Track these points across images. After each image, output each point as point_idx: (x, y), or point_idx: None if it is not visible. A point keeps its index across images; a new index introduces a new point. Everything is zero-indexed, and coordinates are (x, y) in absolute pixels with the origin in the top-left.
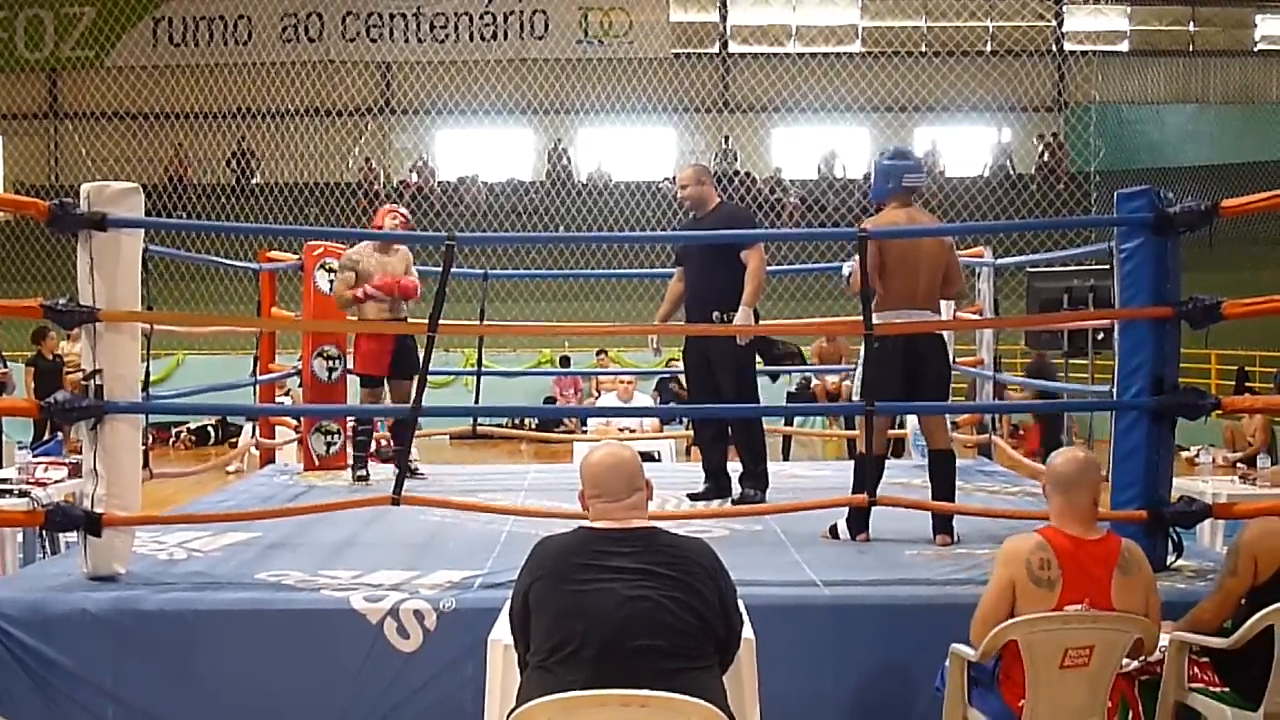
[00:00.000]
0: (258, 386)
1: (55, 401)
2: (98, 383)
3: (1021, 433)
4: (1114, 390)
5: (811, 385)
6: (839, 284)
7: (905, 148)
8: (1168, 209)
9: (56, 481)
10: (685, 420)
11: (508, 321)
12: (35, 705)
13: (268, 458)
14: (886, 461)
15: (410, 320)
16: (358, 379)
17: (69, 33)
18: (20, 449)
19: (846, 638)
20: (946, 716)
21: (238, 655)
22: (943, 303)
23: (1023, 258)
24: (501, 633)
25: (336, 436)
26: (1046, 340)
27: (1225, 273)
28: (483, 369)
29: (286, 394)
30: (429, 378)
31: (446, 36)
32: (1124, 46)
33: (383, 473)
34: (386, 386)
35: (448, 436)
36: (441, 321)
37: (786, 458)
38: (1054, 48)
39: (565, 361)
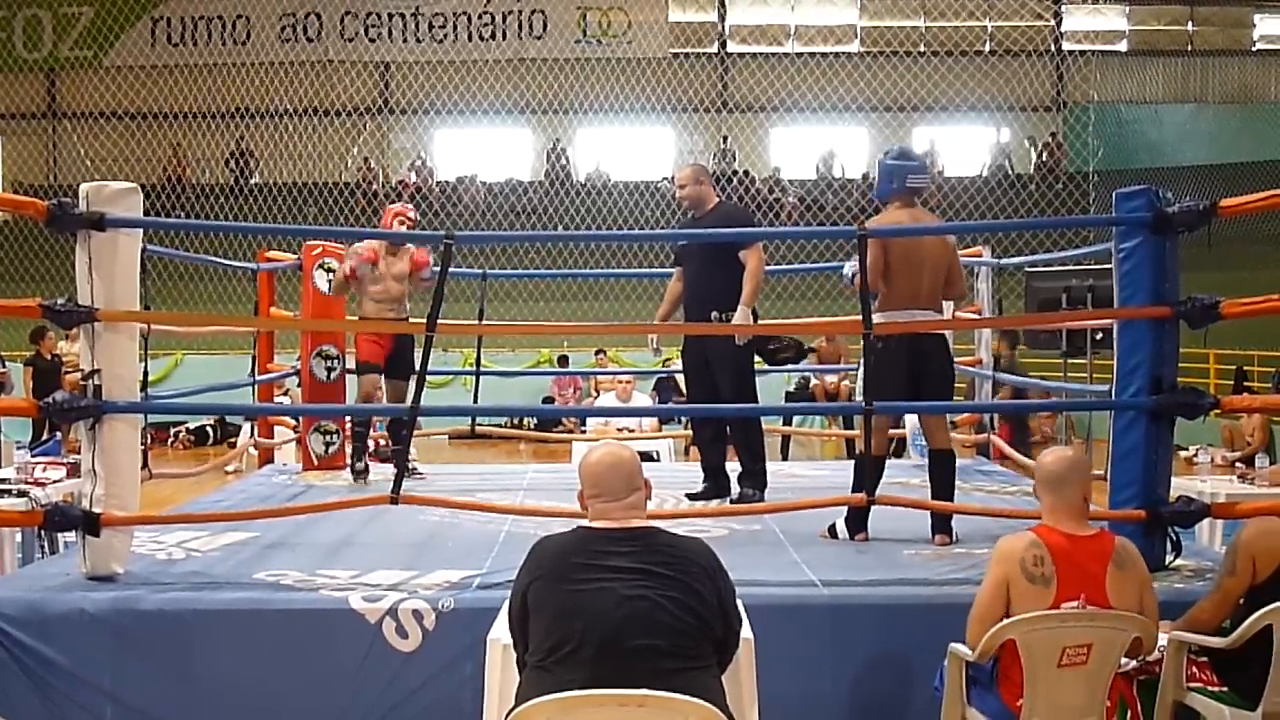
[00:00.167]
0: (256, 386)
1: (54, 401)
2: (96, 382)
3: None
4: (1113, 390)
5: (811, 385)
6: (839, 284)
7: (909, 148)
8: (1166, 209)
9: (55, 481)
10: (683, 420)
11: (506, 321)
12: (34, 705)
13: (266, 457)
14: (886, 461)
15: (409, 320)
16: (356, 370)
17: (67, 32)
18: (19, 449)
19: (845, 637)
20: (945, 716)
21: (236, 655)
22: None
23: (1021, 258)
24: (500, 632)
25: (335, 436)
26: (1045, 340)
27: (1224, 272)
28: (481, 369)
29: (285, 394)
30: (428, 377)
31: (445, 36)
32: (1122, 46)
33: (382, 472)
34: (384, 383)
35: (446, 436)
36: (440, 321)
37: (785, 457)
38: (1052, 47)
39: (564, 361)
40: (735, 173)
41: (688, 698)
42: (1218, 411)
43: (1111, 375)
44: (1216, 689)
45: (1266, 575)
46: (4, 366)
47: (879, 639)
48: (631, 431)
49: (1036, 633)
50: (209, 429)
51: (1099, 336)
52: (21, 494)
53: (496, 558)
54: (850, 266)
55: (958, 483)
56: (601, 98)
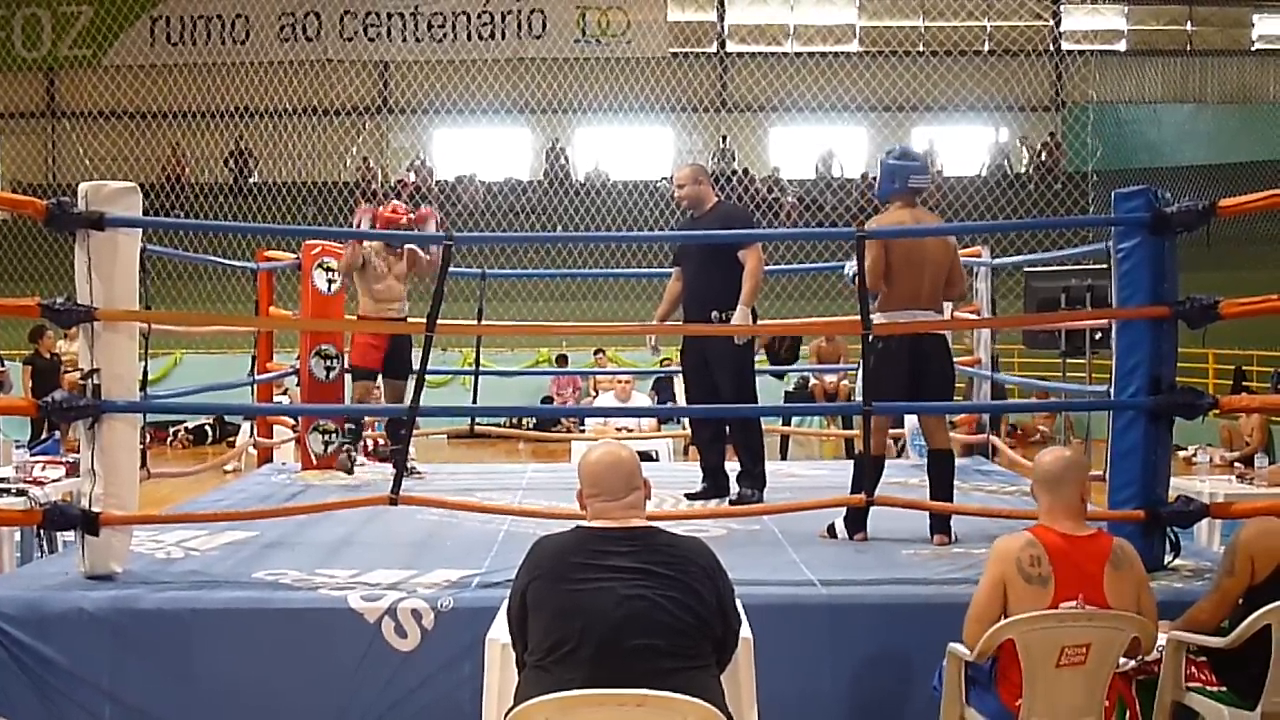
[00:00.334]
0: (255, 386)
1: (53, 400)
2: (95, 382)
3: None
4: (1111, 390)
5: (810, 385)
6: (838, 284)
7: (910, 148)
8: (1165, 208)
9: (54, 480)
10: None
11: (505, 321)
12: (32, 704)
13: (265, 457)
14: (885, 461)
15: (408, 320)
16: (351, 374)
17: (66, 32)
18: (18, 448)
19: (844, 637)
20: (944, 716)
21: (235, 654)
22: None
23: (1020, 258)
24: (499, 632)
25: (334, 436)
26: (1044, 340)
27: (1223, 272)
28: (480, 368)
29: (284, 393)
30: (426, 377)
31: (444, 36)
32: (1121, 46)
33: (381, 472)
34: (381, 383)
35: (445, 436)
36: (439, 321)
37: (784, 457)
38: (1051, 47)
39: (563, 361)
40: (734, 172)
41: (687, 697)
42: (1216, 411)
43: (1110, 375)
44: (1215, 689)
45: (1265, 575)
46: (3, 365)
47: (878, 639)
48: (630, 431)
49: (1035, 632)
50: (208, 428)
51: (1098, 336)
52: (20, 493)
53: (495, 557)
54: (851, 266)
55: (956, 483)
56: (600, 97)
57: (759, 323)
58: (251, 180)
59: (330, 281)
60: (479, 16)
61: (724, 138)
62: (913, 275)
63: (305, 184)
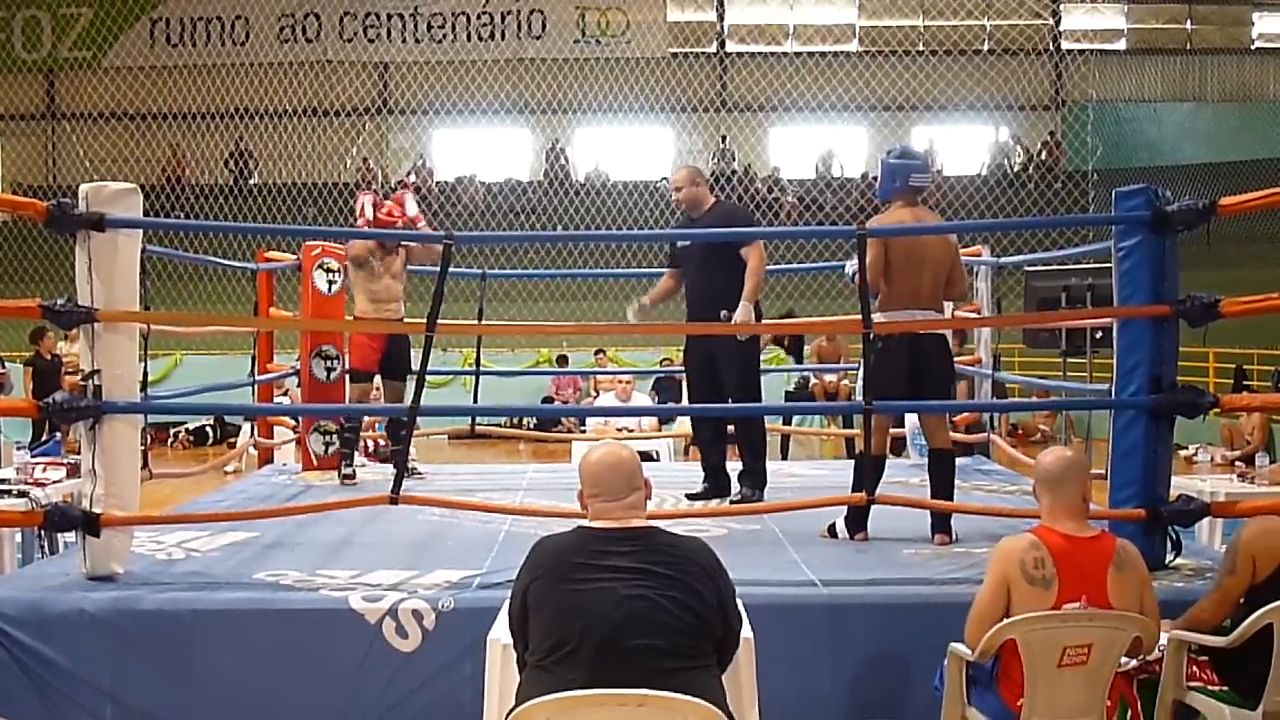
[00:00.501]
0: (256, 386)
1: (53, 402)
2: (96, 383)
3: None
4: (1112, 389)
5: (810, 384)
6: (838, 283)
7: (911, 147)
8: (1165, 207)
9: (55, 481)
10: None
11: (506, 321)
12: (33, 705)
13: (266, 458)
14: (886, 460)
15: (408, 320)
16: (350, 377)
17: (66, 33)
18: (19, 449)
19: (845, 637)
20: (945, 715)
21: (236, 655)
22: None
23: (1021, 257)
24: (500, 632)
25: (335, 436)
26: (1045, 339)
27: (1223, 271)
28: (481, 369)
29: (285, 394)
30: (427, 377)
31: (444, 36)
32: (1121, 45)
33: (381, 472)
34: (381, 384)
35: (446, 436)
36: (440, 321)
37: (785, 457)
38: (1051, 46)
39: (563, 361)
40: (734, 172)
41: (687, 697)
42: (1217, 410)
43: (1111, 374)
44: (1217, 688)
45: (1266, 574)
46: (4, 367)
47: (878, 638)
48: (631, 431)
49: (1037, 632)
50: (208, 429)
51: (1098, 335)
52: (21, 494)
53: (496, 557)
54: (852, 265)
55: (957, 482)
56: (600, 98)
57: (762, 319)
58: (251, 181)
59: (330, 282)
60: (478, 17)
61: (724, 138)
62: (913, 274)
63: (305, 185)
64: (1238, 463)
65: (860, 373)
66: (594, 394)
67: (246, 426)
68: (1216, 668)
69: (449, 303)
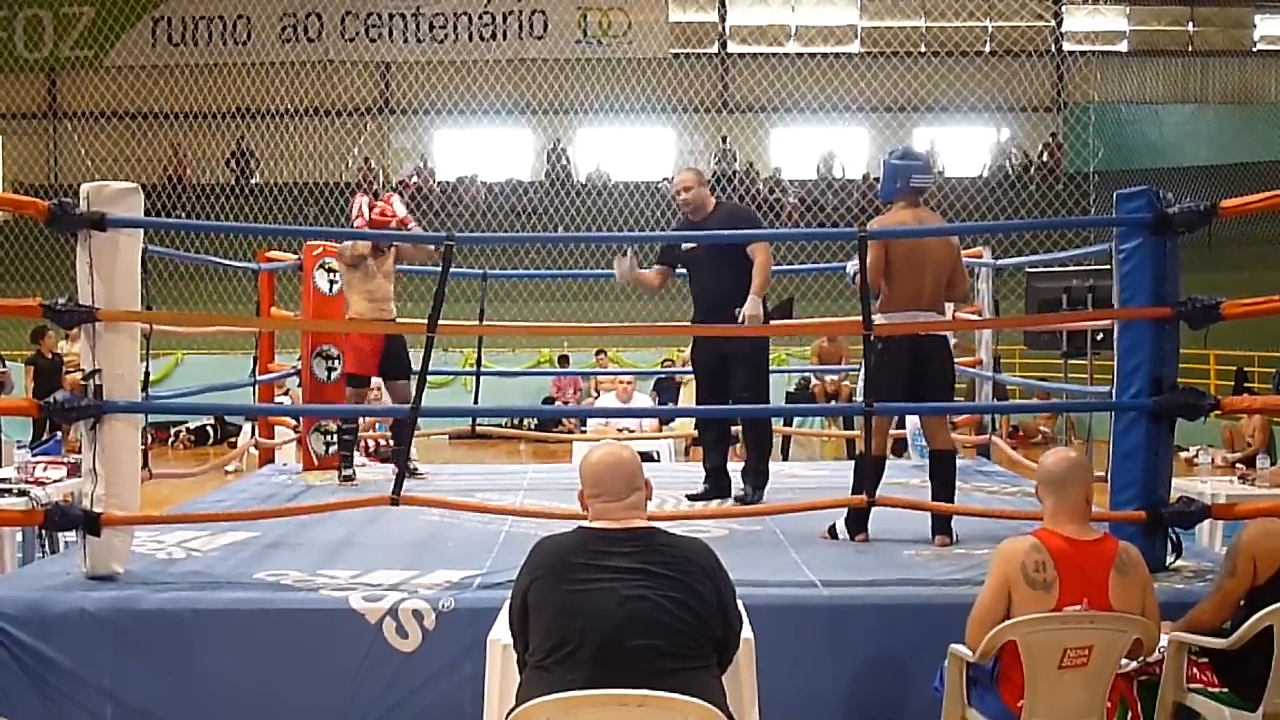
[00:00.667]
0: (257, 386)
1: (54, 401)
2: (97, 382)
3: None
4: (1113, 391)
5: (811, 385)
6: (839, 284)
7: (913, 148)
8: (1166, 209)
9: (55, 481)
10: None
11: (507, 321)
12: (34, 704)
13: (267, 457)
14: (887, 461)
15: (409, 320)
16: (347, 381)
17: (68, 32)
18: (19, 448)
19: (845, 638)
20: (945, 717)
21: (236, 655)
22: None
23: (1022, 258)
24: (500, 632)
25: (335, 436)
26: (1045, 340)
27: (1224, 273)
28: (482, 369)
29: (286, 394)
30: (428, 378)
31: (445, 36)
32: (1123, 46)
33: (381, 472)
34: (383, 387)
35: (447, 436)
36: (440, 321)
37: (785, 458)
38: (1053, 48)
39: (564, 361)
40: (735, 173)
41: (687, 698)
42: (1218, 412)
43: (1112, 376)
44: (1217, 690)
45: (1267, 576)
46: (4, 366)
47: (879, 639)
48: (632, 432)
49: (1037, 634)
50: (209, 429)
51: (1099, 337)
52: (22, 493)
53: (497, 558)
54: (852, 265)
55: (958, 483)
56: (602, 98)
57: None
58: (253, 181)
59: (332, 282)
60: (480, 17)
61: (725, 138)
62: (914, 276)
63: (306, 185)
64: (1238, 465)
65: (861, 373)
66: (595, 394)
67: (247, 426)
68: (1217, 669)
69: (450, 303)
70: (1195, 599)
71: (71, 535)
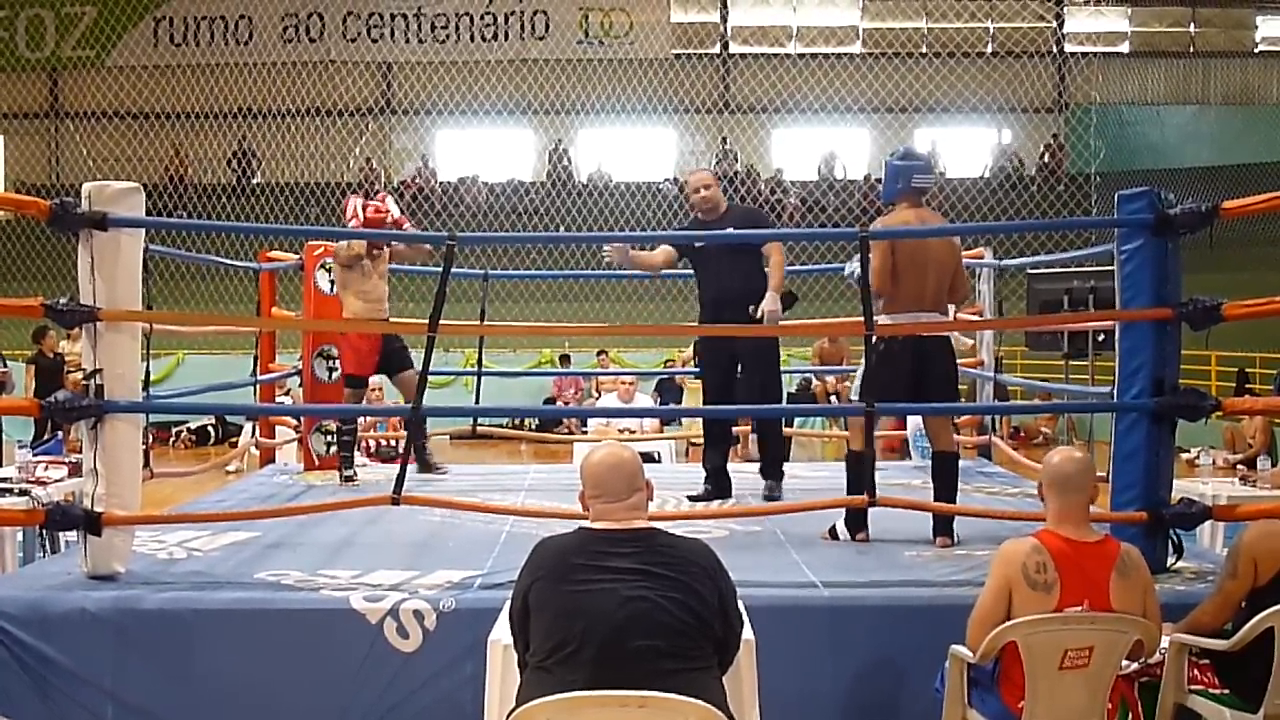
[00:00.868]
0: (258, 386)
1: (55, 401)
2: (98, 382)
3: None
4: (1114, 392)
5: (812, 386)
6: (840, 284)
7: (914, 149)
8: (1168, 210)
9: (56, 480)
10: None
11: (508, 322)
12: (34, 704)
13: (268, 457)
14: (886, 462)
15: (409, 320)
16: (345, 382)
17: (70, 32)
18: (20, 448)
19: (845, 639)
20: (946, 718)
21: (237, 655)
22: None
23: (1023, 259)
24: (501, 633)
25: (335, 437)
26: (1047, 341)
27: (1226, 274)
28: (483, 369)
29: (287, 394)
30: (429, 378)
31: (447, 37)
32: (1124, 48)
33: (382, 472)
34: (383, 387)
35: (448, 436)
36: (441, 321)
37: (786, 458)
38: (1054, 49)
39: (565, 361)
40: (737, 173)
41: (688, 698)
42: (1219, 414)
43: (1113, 377)
44: (1218, 691)
45: (1268, 578)
46: (6, 366)
47: (879, 640)
48: (633, 432)
49: (1038, 635)
50: (210, 429)
51: (1101, 338)
52: (23, 493)
53: (497, 558)
54: (852, 265)
55: (959, 484)
56: (603, 98)
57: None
58: (254, 181)
59: (332, 282)
60: (482, 18)
61: (726, 139)
62: (917, 276)
63: (308, 185)
64: (1240, 466)
65: (860, 373)
66: (596, 395)
67: (248, 426)
68: (1218, 671)
69: (451, 303)
70: (1196, 600)
71: (72, 535)
